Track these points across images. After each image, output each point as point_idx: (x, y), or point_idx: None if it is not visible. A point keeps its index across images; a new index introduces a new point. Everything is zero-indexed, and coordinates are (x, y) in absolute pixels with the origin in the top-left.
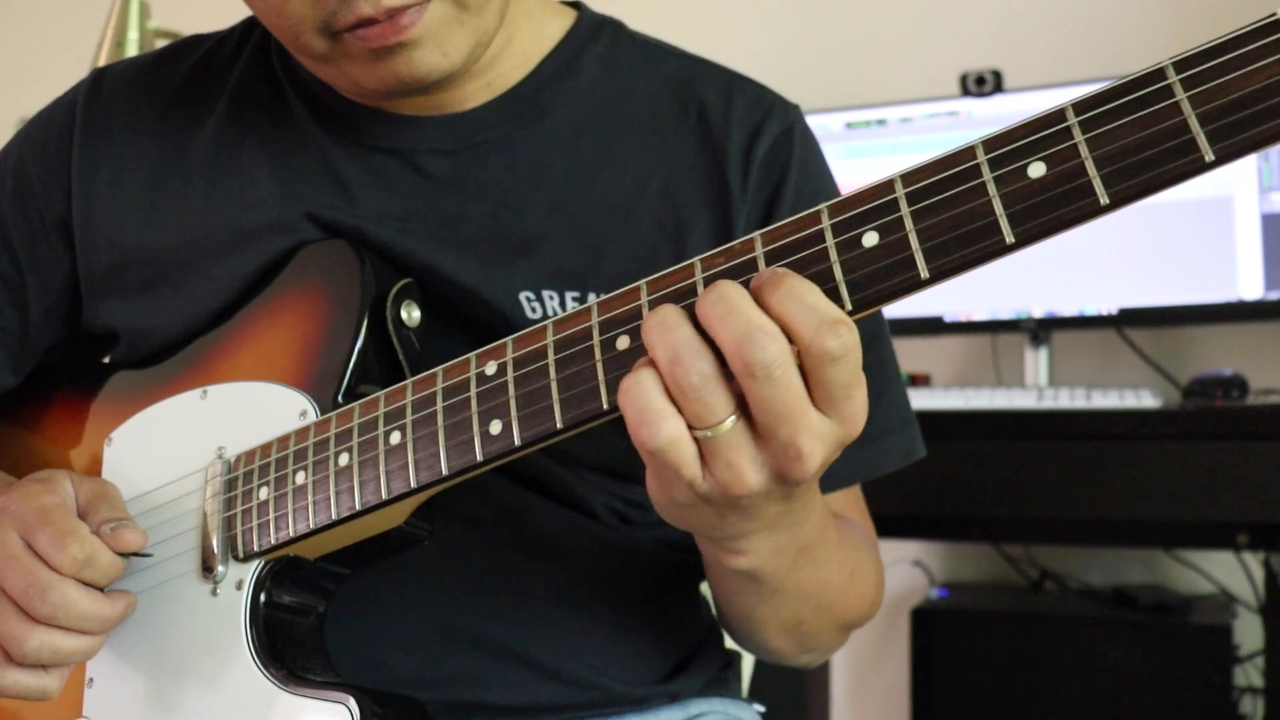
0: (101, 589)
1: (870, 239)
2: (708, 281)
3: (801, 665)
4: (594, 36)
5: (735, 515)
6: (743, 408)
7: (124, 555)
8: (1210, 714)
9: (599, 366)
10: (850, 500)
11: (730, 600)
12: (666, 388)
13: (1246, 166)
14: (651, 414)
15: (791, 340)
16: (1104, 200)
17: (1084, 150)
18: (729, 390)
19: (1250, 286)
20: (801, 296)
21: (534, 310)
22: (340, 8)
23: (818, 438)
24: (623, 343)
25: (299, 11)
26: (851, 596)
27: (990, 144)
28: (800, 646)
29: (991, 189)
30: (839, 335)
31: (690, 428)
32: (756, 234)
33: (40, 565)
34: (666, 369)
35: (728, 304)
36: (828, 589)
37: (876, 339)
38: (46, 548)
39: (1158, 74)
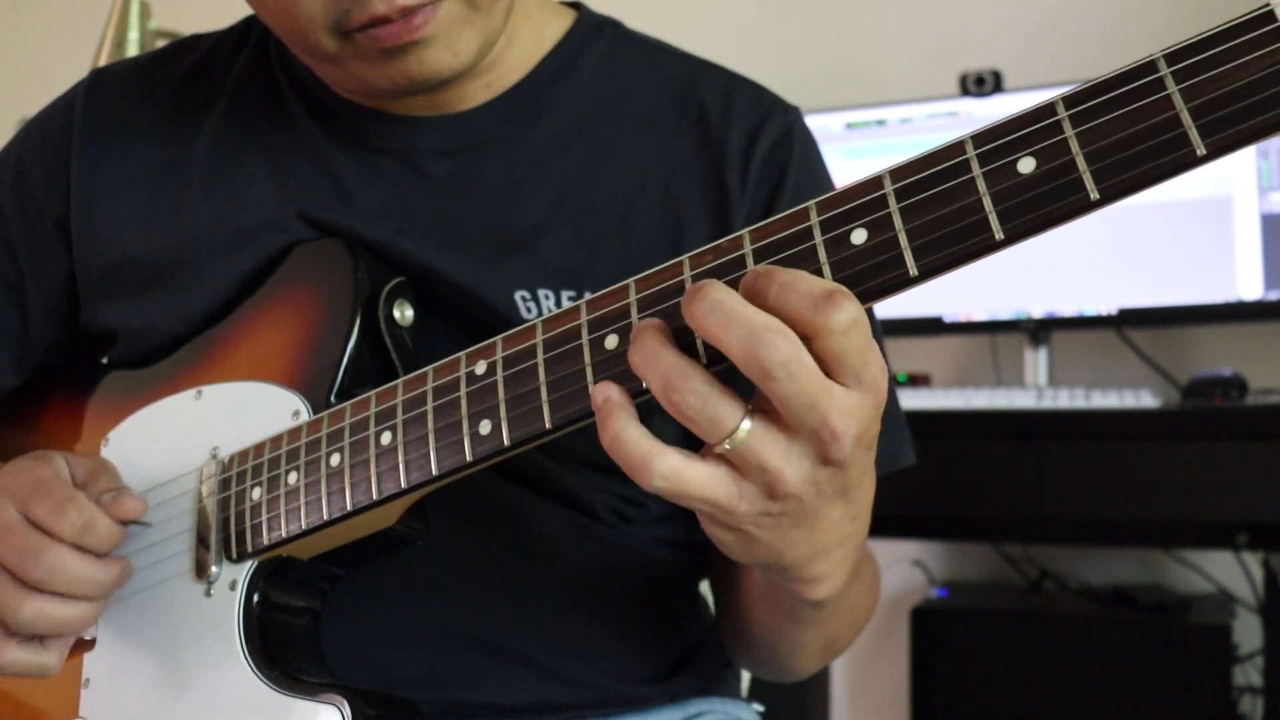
0: (101, 556)
1: (859, 236)
2: (696, 279)
3: (802, 677)
4: (593, 37)
5: (798, 526)
6: (755, 406)
7: (124, 524)
8: (1210, 714)
9: (588, 367)
10: None
11: (782, 631)
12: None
13: (1246, 167)
14: (638, 459)
15: (797, 329)
16: (1094, 196)
17: (1074, 145)
18: (732, 396)
19: (1250, 286)
20: (793, 285)
21: (529, 310)
22: (354, 6)
23: (848, 415)
24: (611, 342)
25: (310, 11)
26: (869, 604)
27: (980, 139)
28: (821, 662)
29: (981, 185)
30: (840, 307)
31: (710, 444)
32: (745, 231)
33: (34, 532)
34: (662, 396)
35: (724, 310)
36: (862, 601)
37: None
38: (44, 516)
39: (1149, 66)
